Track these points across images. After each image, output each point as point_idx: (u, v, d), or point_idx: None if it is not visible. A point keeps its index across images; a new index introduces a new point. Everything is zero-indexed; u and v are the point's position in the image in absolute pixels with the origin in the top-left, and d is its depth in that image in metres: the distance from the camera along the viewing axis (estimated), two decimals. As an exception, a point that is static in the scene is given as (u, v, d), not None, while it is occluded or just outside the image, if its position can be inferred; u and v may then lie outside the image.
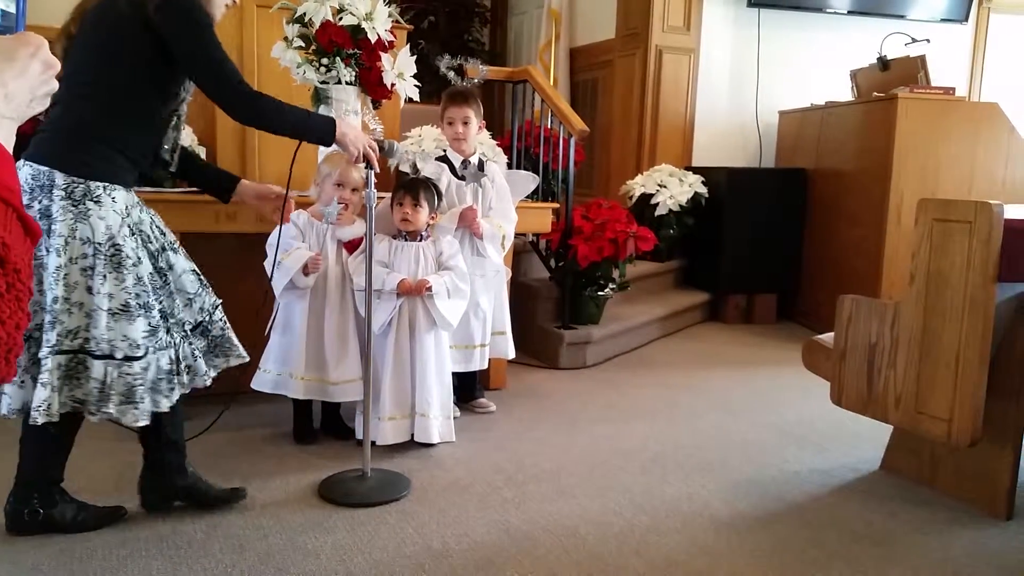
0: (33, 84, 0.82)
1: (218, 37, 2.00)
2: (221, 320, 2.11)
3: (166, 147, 2.13)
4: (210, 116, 3.61)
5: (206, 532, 2.12)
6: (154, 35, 1.90)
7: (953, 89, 4.63)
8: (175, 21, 1.90)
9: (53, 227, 1.86)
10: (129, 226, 1.96)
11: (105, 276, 1.90)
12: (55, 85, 0.85)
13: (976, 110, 4.72)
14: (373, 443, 2.70)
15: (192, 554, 2.00)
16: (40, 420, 1.86)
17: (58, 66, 0.84)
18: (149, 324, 1.96)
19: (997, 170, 4.59)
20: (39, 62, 0.82)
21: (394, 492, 2.39)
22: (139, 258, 1.96)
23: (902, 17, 5.50)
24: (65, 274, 1.87)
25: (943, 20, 5.66)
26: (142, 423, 1.97)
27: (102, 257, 1.90)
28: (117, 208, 1.93)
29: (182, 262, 2.06)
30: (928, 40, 4.93)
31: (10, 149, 0.77)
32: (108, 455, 2.18)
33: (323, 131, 2.19)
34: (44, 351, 1.86)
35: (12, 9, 0.89)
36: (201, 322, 2.12)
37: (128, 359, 1.93)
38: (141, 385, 1.95)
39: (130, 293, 1.92)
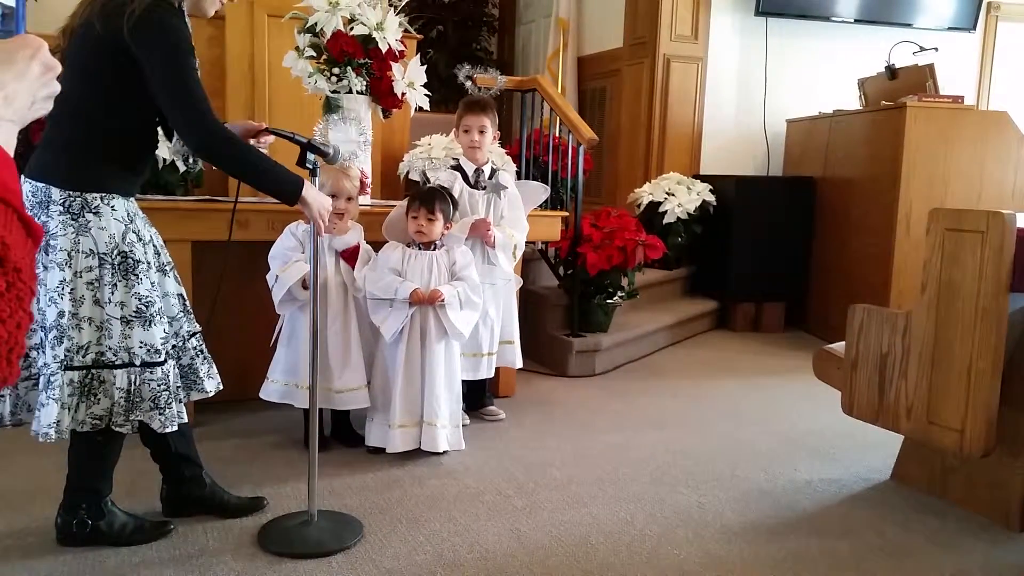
0: (34, 86, 0.81)
1: (193, 62, 1.91)
2: (194, 349, 2.10)
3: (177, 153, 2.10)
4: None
5: (218, 540, 2.12)
6: (130, 55, 1.87)
7: (962, 97, 4.63)
8: (147, 45, 1.86)
9: (53, 243, 1.84)
10: (135, 232, 1.94)
11: (115, 285, 1.89)
12: (56, 87, 0.84)
13: (985, 118, 4.71)
14: (383, 450, 2.71)
15: (204, 562, 2.01)
16: (53, 437, 1.86)
17: (59, 68, 0.83)
18: (164, 331, 1.97)
19: (1006, 179, 4.58)
20: (39, 64, 0.81)
21: (344, 540, 2.12)
22: (149, 263, 1.96)
23: (909, 26, 5.50)
24: (71, 288, 1.86)
25: (951, 28, 5.65)
26: (170, 429, 1.98)
27: (109, 267, 1.88)
28: (118, 216, 1.91)
29: (172, 285, 2.05)
30: (936, 48, 4.93)
31: (11, 152, 0.76)
32: (121, 461, 2.19)
33: (289, 189, 2.01)
34: (53, 367, 1.85)
35: (11, 2, 0.90)
36: (175, 347, 2.08)
37: (147, 365, 1.93)
38: (166, 391, 1.96)
39: (142, 298, 1.91)
